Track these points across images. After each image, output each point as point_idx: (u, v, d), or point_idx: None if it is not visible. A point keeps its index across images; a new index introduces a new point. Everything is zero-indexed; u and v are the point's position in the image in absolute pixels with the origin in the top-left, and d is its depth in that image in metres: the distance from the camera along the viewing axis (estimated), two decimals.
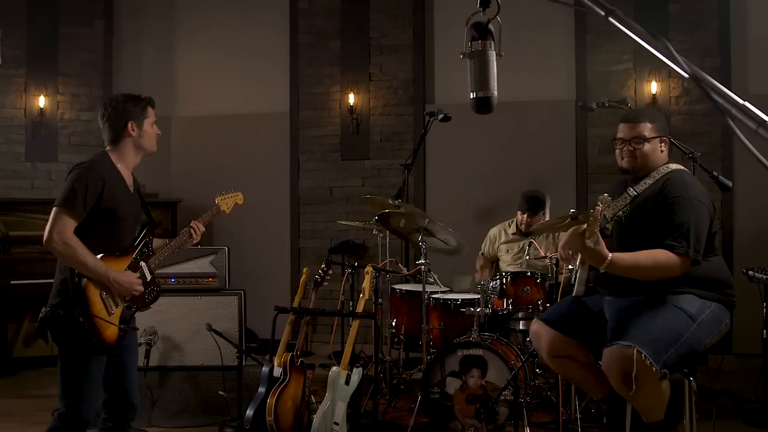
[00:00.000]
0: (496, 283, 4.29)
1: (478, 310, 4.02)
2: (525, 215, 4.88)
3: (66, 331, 2.86)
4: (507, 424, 3.80)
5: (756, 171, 5.59)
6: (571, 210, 3.75)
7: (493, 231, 5.23)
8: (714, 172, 4.05)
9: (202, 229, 3.23)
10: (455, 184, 6.48)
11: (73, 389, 2.90)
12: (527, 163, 6.25)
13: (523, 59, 6.06)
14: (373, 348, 4.11)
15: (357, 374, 3.78)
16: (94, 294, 2.86)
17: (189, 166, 6.96)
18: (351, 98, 6.68)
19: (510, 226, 5.14)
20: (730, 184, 4.05)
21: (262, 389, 3.71)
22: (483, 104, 1.81)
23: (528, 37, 6.02)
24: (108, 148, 3.06)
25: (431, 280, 4.64)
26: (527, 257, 4.71)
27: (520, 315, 4.32)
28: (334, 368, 3.76)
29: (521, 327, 4.37)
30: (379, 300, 4.46)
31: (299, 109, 6.87)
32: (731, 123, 1.11)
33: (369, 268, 4.07)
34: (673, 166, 3.07)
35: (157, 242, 3.16)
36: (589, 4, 1.26)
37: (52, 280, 2.95)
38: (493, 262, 5.23)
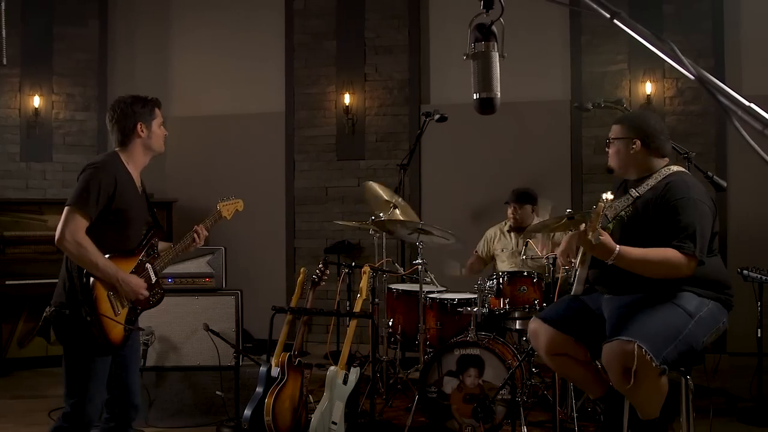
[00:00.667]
0: (492, 283, 4.30)
1: (474, 309, 4.03)
2: (511, 207, 5.07)
3: (72, 330, 2.85)
4: (504, 423, 3.81)
5: (750, 171, 5.64)
6: (568, 210, 3.78)
7: (490, 231, 5.29)
8: (708, 172, 4.07)
9: (206, 233, 3.25)
10: (451, 184, 6.50)
11: (78, 389, 2.89)
12: (522, 163, 6.27)
13: (518, 60, 6.02)
14: (369, 347, 4.12)
15: (354, 374, 3.80)
16: (102, 293, 2.85)
17: (184, 166, 6.94)
18: (346, 98, 6.68)
19: (505, 225, 5.20)
20: (724, 184, 4.07)
21: (259, 389, 3.71)
22: (486, 105, 1.83)
23: (523, 38, 6.03)
24: (117, 149, 3.06)
25: (428, 279, 4.65)
26: (524, 257, 4.74)
27: (516, 314, 4.33)
28: (332, 368, 3.77)
29: (518, 326, 4.38)
30: (376, 300, 4.47)
31: (295, 109, 6.87)
32: (736, 124, 1.12)
33: (366, 268, 4.09)
34: (674, 168, 3.11)
35: (161, 245, 3.17)
36: (595, 6, 1.28)
37: (46, 281, 2.95)
38: (487, 262, 5.27)
